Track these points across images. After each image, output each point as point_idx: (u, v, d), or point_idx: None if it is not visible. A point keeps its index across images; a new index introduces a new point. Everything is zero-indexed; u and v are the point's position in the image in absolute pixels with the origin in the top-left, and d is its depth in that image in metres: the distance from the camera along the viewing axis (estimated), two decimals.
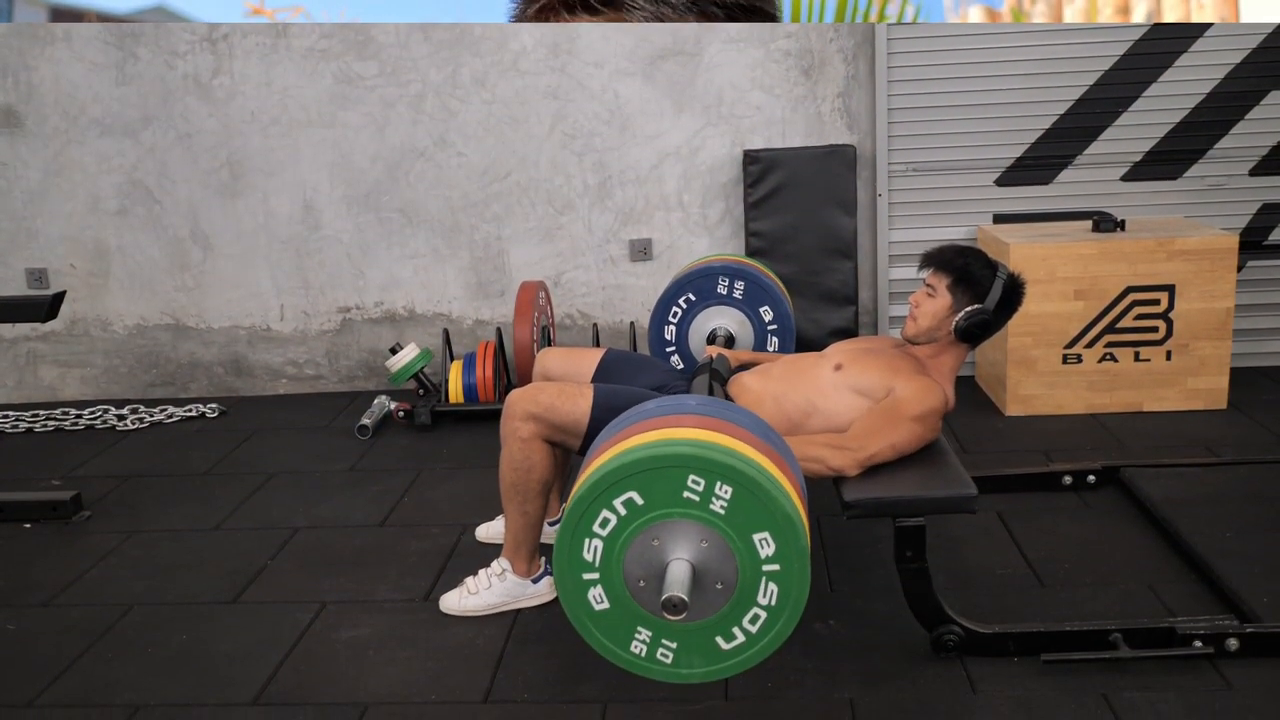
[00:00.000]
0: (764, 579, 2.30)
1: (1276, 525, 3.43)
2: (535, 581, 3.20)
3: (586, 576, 2.33)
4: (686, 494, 2.25)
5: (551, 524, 3.49)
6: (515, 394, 3.06)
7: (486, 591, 3.18)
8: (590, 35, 5.02)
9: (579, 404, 3.01)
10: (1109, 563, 3.34)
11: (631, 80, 5.07)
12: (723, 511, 2.26)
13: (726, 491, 2.24)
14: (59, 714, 2.82)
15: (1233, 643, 2.77)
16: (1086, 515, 3.68)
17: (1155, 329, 4.52)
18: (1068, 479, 3.83)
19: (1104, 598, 3.13)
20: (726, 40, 5.00)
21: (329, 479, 4.34)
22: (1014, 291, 3.07)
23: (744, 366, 3.44)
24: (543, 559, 3.24)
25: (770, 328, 3.91)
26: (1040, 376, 4.59)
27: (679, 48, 5.03)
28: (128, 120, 5.23)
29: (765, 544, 2.27)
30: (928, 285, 3.09)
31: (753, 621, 2.34)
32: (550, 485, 3.11)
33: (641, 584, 2.32)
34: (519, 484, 3.05)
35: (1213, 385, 4.57)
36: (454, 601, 3.21)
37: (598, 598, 2.35)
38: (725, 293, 3.90)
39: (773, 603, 2.32)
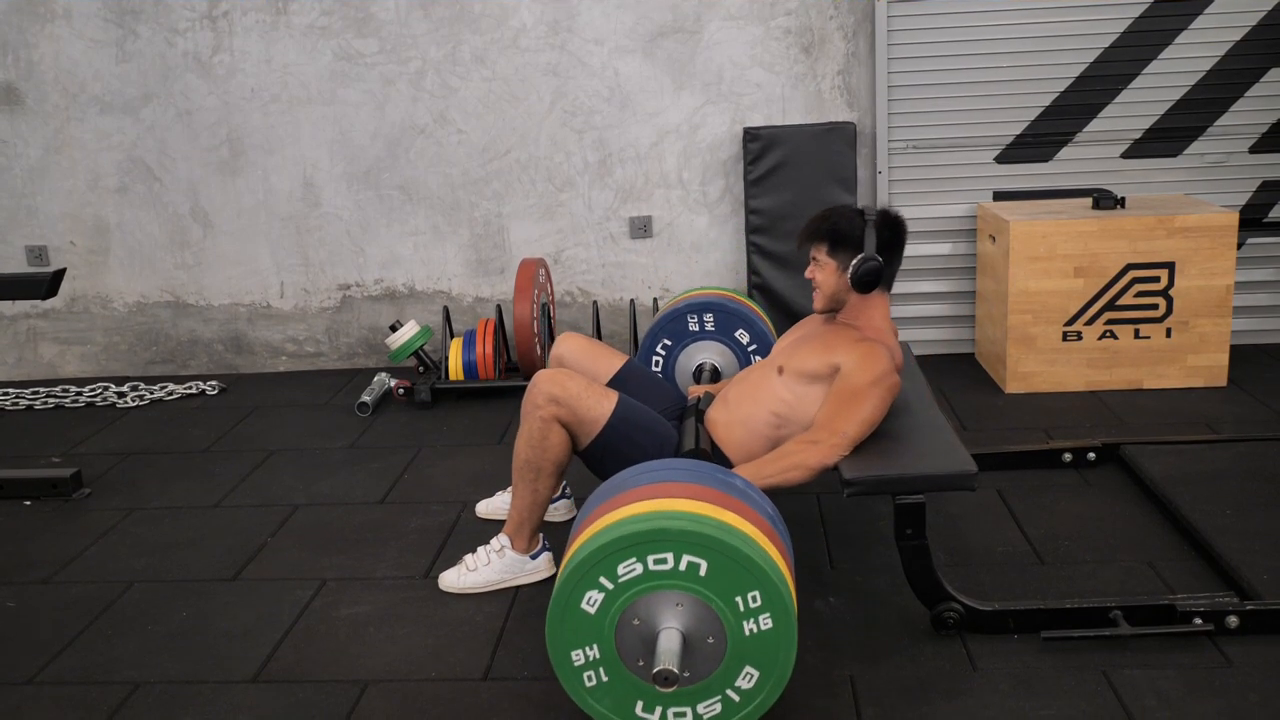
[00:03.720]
0: (721, 698, 2.40)
1: (1276, 502, 3.43)
2: (534, 557, 3.20)
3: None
4: (737, 601, 2.31)
5: (553, 502, 3.50)
6: (543, 374, 3.06)
7: (485, 568, 3.18)
8: (590, 12, 4.99)
9: (603, 405, 3.04)
10: (1109, 540, 3.34)
11: (631, 57, 5.05)
12: (749, 637, 2.34)
13: (767, 622, 2.32)
14: (59, 690, 2.83)
15: (1233, 620, 2.77)
16: (1086, 492, 3.68)
17: (1155, 306, 4.52)
18: (1068, 456, 3.84)
19: (1104, 575, 3.13)
20: (726, 17, 4.98)
21: (329, 456, 4.35)
22: (889, 228, 3.10)
23: None
24: (541, 534, 3.25)
25: (750, 349, 3.93)
26: (1040, 354, 4.59)
27: (679, 25, 5.00)
28: (128, 97, 5.21)
29: (749, 680, 2.38)
30: (812, 259, 3.15)
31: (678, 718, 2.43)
32: (564, 466, 3.11)
33: (636, 622, 2.36)
34: (534, 461, 3.05)
35: (1213, 362, 4.57)
36: (453, 579, 3.21)
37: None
38: (697, 329, 3.94)
39: None
